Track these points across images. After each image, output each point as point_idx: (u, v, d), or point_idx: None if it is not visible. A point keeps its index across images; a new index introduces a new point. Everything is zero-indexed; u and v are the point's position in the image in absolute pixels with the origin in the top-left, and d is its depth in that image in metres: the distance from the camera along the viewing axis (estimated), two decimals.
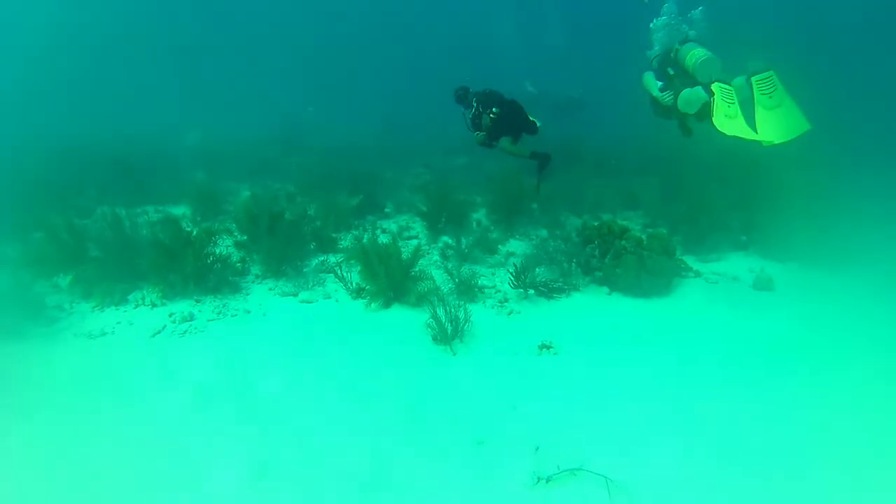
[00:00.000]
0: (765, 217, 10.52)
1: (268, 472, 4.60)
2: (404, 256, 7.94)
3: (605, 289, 8.38)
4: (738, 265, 9.60)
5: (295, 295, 7.99)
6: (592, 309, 7.82)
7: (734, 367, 6.31)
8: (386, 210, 12.21)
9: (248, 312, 7.46)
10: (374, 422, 5.24)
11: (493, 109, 9.15)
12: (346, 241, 10.22)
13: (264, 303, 7.79)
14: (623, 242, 8.43)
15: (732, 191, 11.56)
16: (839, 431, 5.20)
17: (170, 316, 7.21)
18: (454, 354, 6.45)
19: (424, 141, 20.10)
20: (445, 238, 10.15)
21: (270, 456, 4.78)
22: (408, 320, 7.27)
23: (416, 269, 8.02)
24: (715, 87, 7.29)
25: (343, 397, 5.59)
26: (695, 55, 7.51)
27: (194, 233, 8.51)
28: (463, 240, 9.48)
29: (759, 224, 10.44)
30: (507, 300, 7.91)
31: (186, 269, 7.69)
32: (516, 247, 10.10)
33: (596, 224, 8.91)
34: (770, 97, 7.09)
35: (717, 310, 7.84)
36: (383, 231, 10.87)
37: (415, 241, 10.32)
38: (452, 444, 4.95)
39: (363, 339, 6.82)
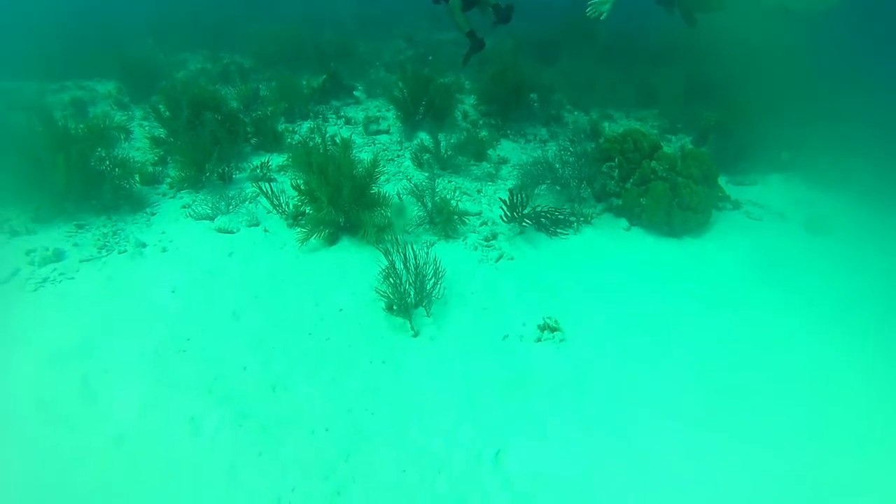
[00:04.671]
0: (810, 129, 7.98)
1: None
2: (364, 161, 5.47)
3: (623, 221, 6.00)
4: (781, 193, 7.17)
5: (212, 219, 5.52)
6: (609, 254, 5.46)
7: (817, 360, 4.09)
8: (355, 93, 9.35)
9: (143, 247, 4.99)
10: (271, 488, 2.98)
11: None
12: (300, 134, 7.60)
13: (170, 229, 5.31)
14: (653, 164, 5.94)
15: (769, 93, 8.89)
16: None
17: (27, 254, 4.74)
18: (414, 335, 4.13)
19: (409, 7, 16.39)
20: (423, 135, 7.53)
21: None
22: (358, 266, 4.86)
23: (380, 182, 5.60)
24: None
25: (224, 435, 3.26)
26: None
27: (78, 127, 5.83)
28: (443, 140, 6.91)
29: (803, 137, 7.92)
30: (495, 236, 5.49)
31: (59, 183, 5.16)
32: (510, 151, 7.53)
33: (618, 136, 6.34)
34: None
35: (768, 265, 5.55)
36: (347, 122, 8.14)
37: (384, 137, 7.72)
38: None
39: (286, 303, 4.39)
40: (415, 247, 4.51)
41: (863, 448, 3.48)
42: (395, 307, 4.22)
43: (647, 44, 11.10)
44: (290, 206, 5.55)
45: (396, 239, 4.70)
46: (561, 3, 13.20)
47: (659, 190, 5.71)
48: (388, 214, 5.26)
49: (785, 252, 5.82)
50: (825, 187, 7.36)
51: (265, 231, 5.36)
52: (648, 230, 5.89)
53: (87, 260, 4.75)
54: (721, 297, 4.92)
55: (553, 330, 4.20)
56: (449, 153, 6.88)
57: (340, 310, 4.34)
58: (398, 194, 5.96)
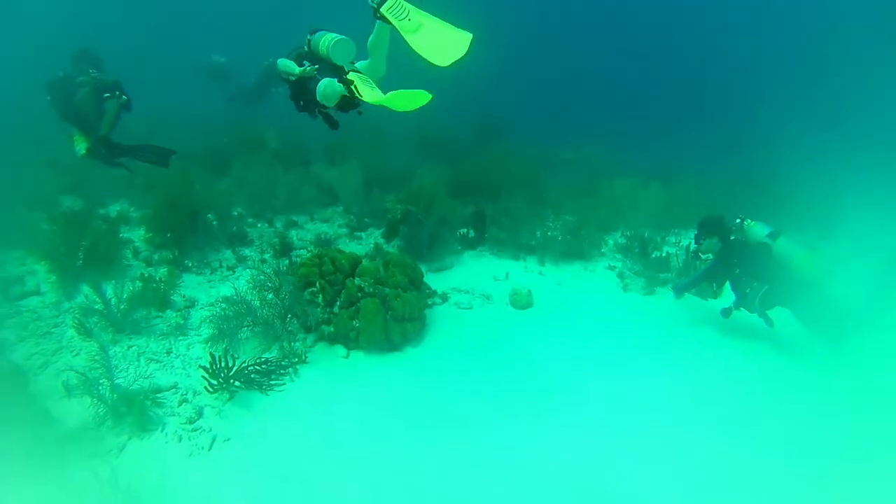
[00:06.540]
0: (489, 203, 8.43)
1: None
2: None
3: (340, 349, 5.47)
4: (478, 272, 7.36)
5: None
6: (334, 396, 4.86)
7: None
8: None
9: None
10: None
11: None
12: None
13: None
14: (357, 281, 5.54)
15: (444, 173, 9.25)
16: None
17: None
18: None
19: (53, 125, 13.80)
20: (86, 289, 6.15)
21: None
22: None
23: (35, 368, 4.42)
24: (352, 75, 4.79)
25: None
26: (327, 40, 5.12)
27: None
28: (113, 294, 5.69)
29: (485, 212, 8.29)
30: (201, 413, 4.53)
31: None
32: (196, 288, 6.55)
33: (313, 256, 5.83)
34: (409, 20, 4.64)
35: (489, 356, 5.49)
36: None
37: (34, 301, 6.17)
38: None
39: None
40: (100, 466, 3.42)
41: None
42: None
43: (318, 142, 10.86)
44: None
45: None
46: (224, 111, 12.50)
47: (370, 308, 5.32)
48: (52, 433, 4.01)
49: (501, 336, 5.88)
50: (511, 256, 7.74)
51: None
52: (368, 351, 5.44)
53: None
54: (452, 417, 4.64)
55: None
56: (123, 308, 5.70)
57: None
58: (65, 385, 4.67)
